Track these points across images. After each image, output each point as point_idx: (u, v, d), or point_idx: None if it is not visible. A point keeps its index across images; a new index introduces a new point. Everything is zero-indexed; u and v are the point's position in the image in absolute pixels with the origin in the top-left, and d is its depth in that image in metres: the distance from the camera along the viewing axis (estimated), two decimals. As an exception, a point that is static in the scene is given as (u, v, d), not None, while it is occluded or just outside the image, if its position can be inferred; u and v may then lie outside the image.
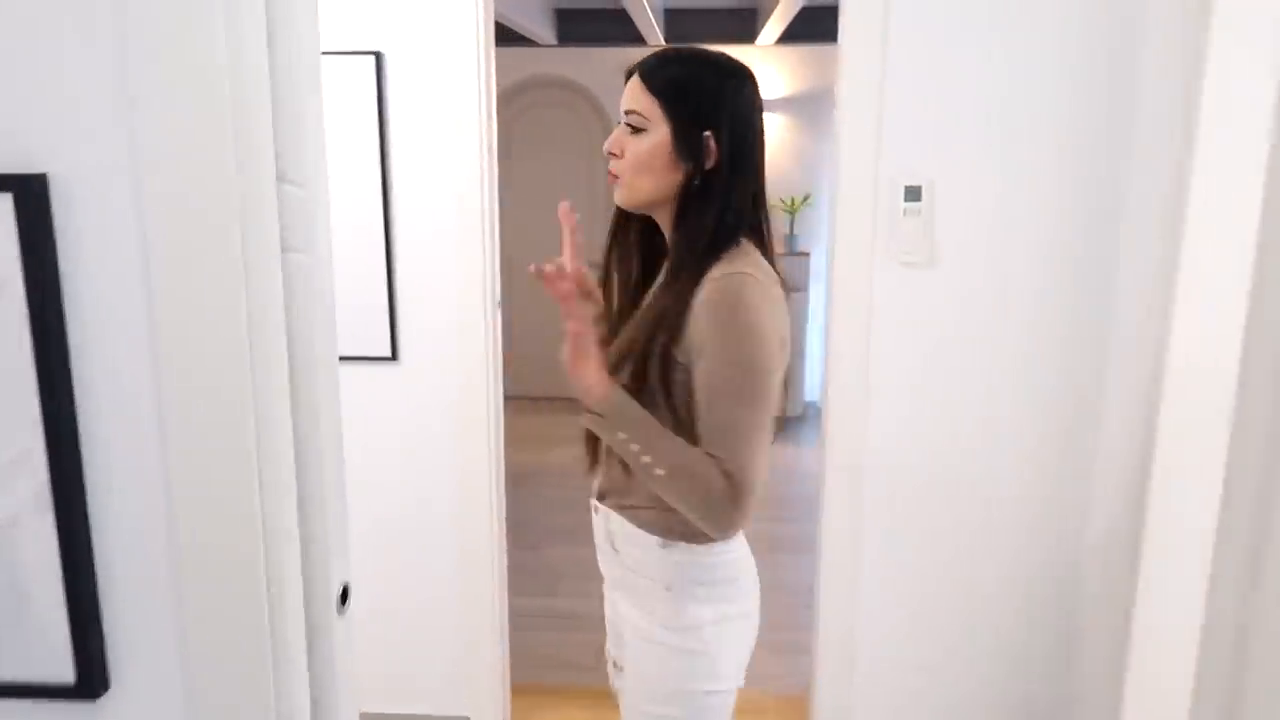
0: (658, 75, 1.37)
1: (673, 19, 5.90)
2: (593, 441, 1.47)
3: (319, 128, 0.86)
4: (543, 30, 5.66)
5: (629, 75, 1.40)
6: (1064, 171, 2.19)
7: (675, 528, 1.39)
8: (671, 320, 1.33)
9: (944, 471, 2.34)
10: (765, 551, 4.18)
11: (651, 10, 4.97)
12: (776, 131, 6.03)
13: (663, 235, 1.46)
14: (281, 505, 0.84)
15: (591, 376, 1.31)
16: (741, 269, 1.32)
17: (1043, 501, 2.33)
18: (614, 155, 1.39)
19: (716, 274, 1.32)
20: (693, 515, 1.32)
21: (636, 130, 1.37)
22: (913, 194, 2.24)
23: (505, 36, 5.60)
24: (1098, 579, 2.28)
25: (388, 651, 2.57)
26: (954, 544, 2.36)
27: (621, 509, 1.44)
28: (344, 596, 0.89)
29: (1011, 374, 2.29)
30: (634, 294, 1.50)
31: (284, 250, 0.81)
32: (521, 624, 3.34)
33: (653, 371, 1.33)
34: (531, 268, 1.27)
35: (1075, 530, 2.32)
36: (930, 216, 2.24)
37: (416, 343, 2.40)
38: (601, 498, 1.50)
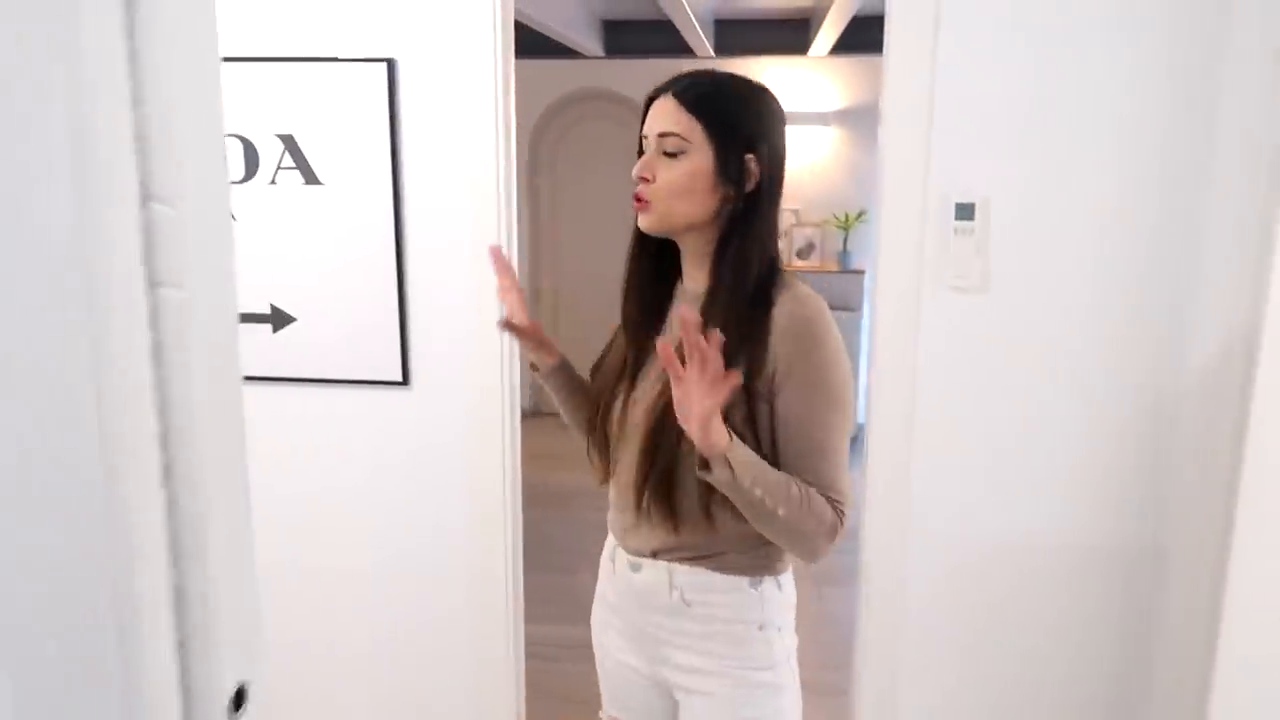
0: (696, 96, 1.33)
1: (722, 30, 5.79)
2: (630, 471, 1.40)
3: (210, 135, 0.72)
4: (589, 42, 5.59)
5: (654, 97, 1.37)
6: (1132, 190, 2.01)
7: (761, 565, 1.40)
8: (751, 352, 1.29)
9: (995, 514, 2.17)
10: (811, 583, 4.12)
11: (700, 22, 4.86)
12: (830, 145, 5.89)
13: (672, 260, 1.44)
14: (144, 597, 0.68)
15: (718, 429, 1.20)
16: (807, 292, 1.34)
17: (1108, 554, 2.14)
18: (645, 180, 1.34)
19: (787, 299, 1.32)
20: (796, 547, 1.31)
21: (672, 153, 1.32)
22: (964, 212, 2.08)
23: (551, 49, 5.57)
24: (1173, 639, 2.08)
25: (397, 681, 2.47)
26: (1004, 593, 2.19)
27: (697, 560, 1.39)
28: (239, 700, 0.74)
29: (1072, 416, 2.12)
30: (652, 323, 1.45)
31: (153, 285, 0.67)
32: (544, 653, 3.22)
33: (737, 410, 1.28)
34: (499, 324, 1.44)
35: (1148, 579, 2.12)
36: (983, 237, 2.08)
37: (429, 367, 2.29)
38: (654, 555, 1.42)
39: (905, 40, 2.05)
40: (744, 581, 1.39)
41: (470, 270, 2.22)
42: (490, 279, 2.19)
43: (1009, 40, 2.02)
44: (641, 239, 1.43)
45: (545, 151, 6.27)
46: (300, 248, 2.27)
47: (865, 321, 5.66)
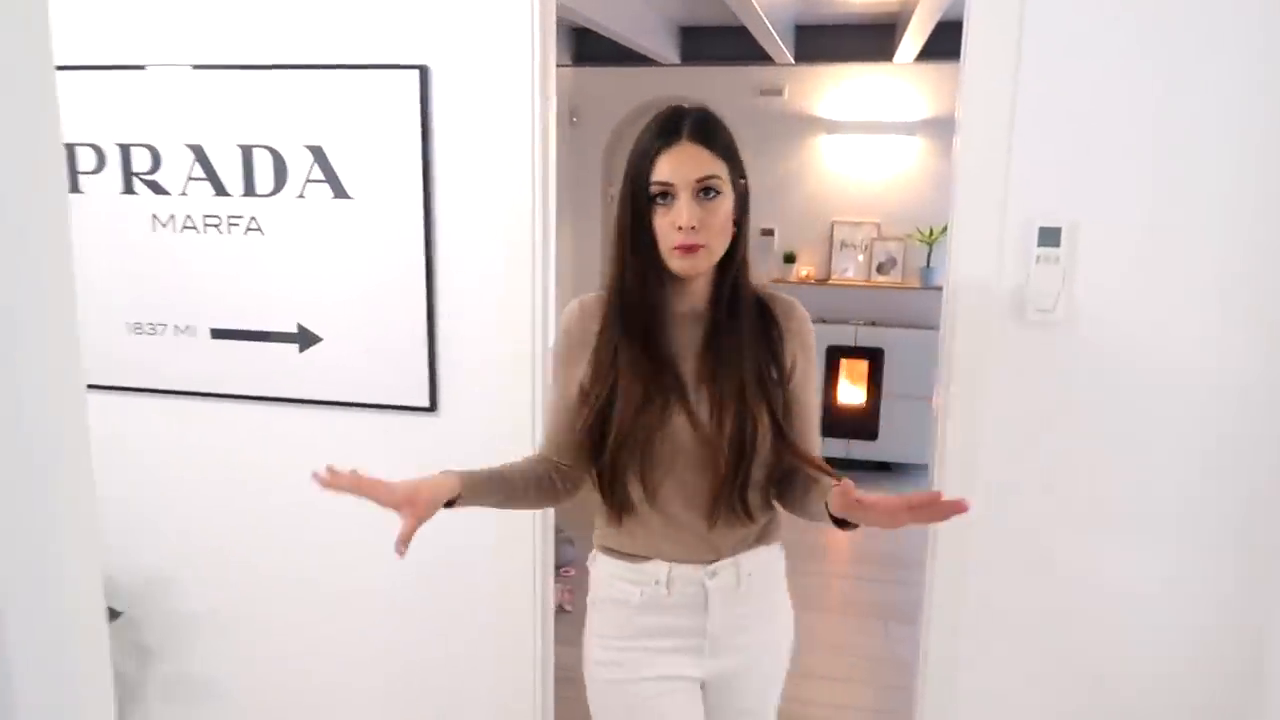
0: (713, 136, 1.41)
1: (803, 36, 5.59)
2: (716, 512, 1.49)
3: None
4: (665, 50, 5.45)
5: (667, 141, 1.39)
6: (1248, 216, 1.77)
7: (779, 528, 1.61)
8: (774, 358, 1.49)
9: (1070, 568, 1.96)
10: (875, 619, 3.90)
11: (779, 28, 4.68)
12: (915, 156, 5.65)
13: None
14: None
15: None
16: (789, 297, 1.56)
17: (1201, 625, 1.89)
18: (693, 229, 1.37)
19: (781, 306, 1.54)
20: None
21: (710, 196, 1.39)
22: (1049, 237, 1.86)
23: (627, 57, 5.46)
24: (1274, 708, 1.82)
25: (420, 709, 2.38)
26: (1080, 646, 1.97)
27: (749, 546, 1.54)
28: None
29: (1166, 467, 1.89)
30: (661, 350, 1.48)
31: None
32: (573, 677, 3.07)
33: (780, 408, 1.48)
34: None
35: (1252, 642, 1.87)
36: (1070, 265, 1.87)
37: (458, 393, 2.16)
38: (717, 558, 1.52)
39: (985, 45, 1.85)
40: (776, 547, 1.61)
41: (503, 293, 2.08)
42: (522, 302, 2.07)
43: (1102, 44, 1.80)
44: (646, 281, 1.44)
45: (621, 161, 6.13)
46: (328, 265, 2.17)
47: (948, 342, 5.40)
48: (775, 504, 1.57)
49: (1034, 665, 2.03)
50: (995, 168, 1.86)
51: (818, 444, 1.56)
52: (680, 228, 1.37)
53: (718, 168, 1.40)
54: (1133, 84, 1.80)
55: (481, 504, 1.49)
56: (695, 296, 1.48)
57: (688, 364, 1.46)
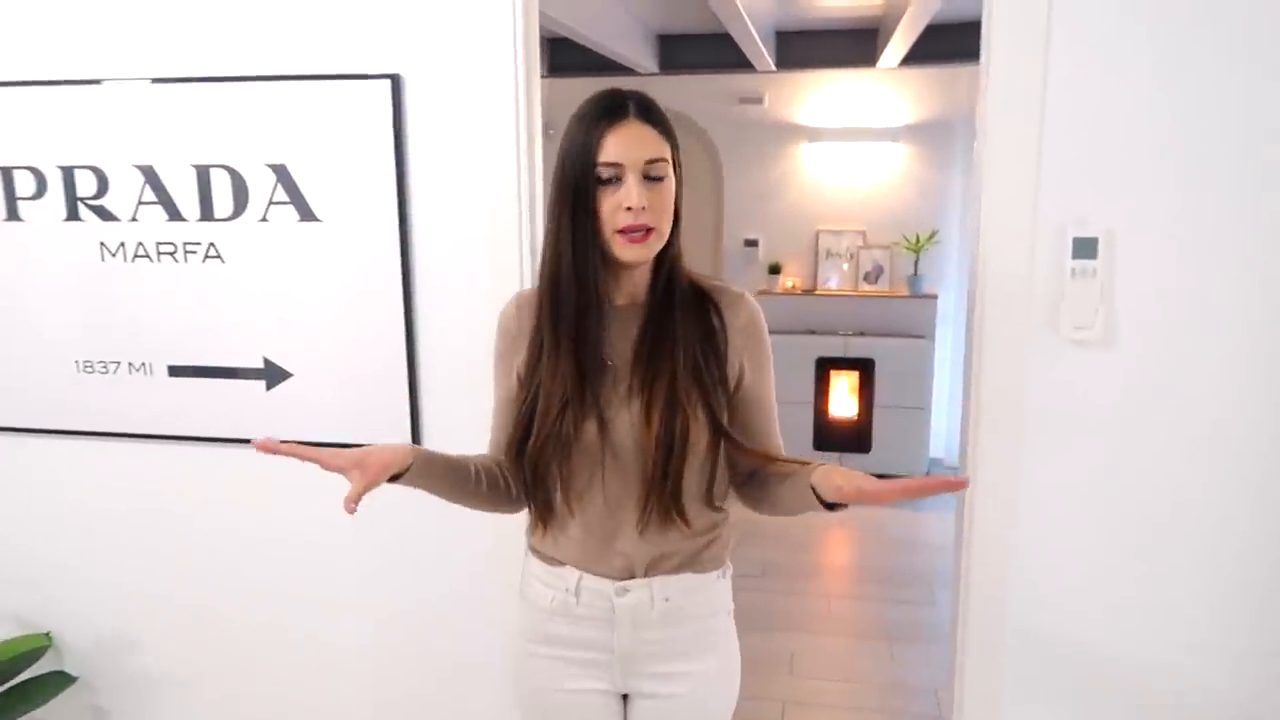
0: (660, 118, 1.36)
1: (784, 42, 5.48)
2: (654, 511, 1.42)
3: None
4: (643, 58, 5.33)
5: (613, 120, 1.32)
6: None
7: (722, 553, 1.52)
8: (715, 349, 1.41)
9: (1107, 607, 1.84)
10: (883, 641, 3.75)
11: (760, 34, 4.57)
12: (899, 162, 5.54)
13: None
14: None
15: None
16: (738, 289, 1.47)
17: (1251, 654, 1.75)
18: (643, 209, 1.32)
19: (728, 297, 1.45)
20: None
21: (657, 178, 1.34)
22: (1085, 249, 1.72)
23: (604, 65, 5.31)
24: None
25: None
26: (1121, 671, 1.84)
27: (681, 568, 1.46)
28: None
29: (1211, 500, 1.77)
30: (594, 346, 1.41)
31: None
32: None
33: (719, 405, 1.41)
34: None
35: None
36: (1108, 279, 1.72)
37: (442, 429, 1.98)
38: (646, 573, 1.45)
39: (1010, 44, 1.71)
40: (715, 575, 1.50)
41: (488, 318, 1.90)
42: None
43: (1140, 40, 1.67)
44: (593, 270, 1.36)
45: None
46: (296, 294, 1.99)
47: (939, 350, 5.29)
48: (721, 526, 1.50)
49: (1075, 690, 1.90)
50: (1024, 175, 1.72)
51: (778, 442, 1.49)
52: (629, 208, 1.31)
53: (664, 149, 1.35)
54: (1171, 83, 1.66)
55: (430, 487, 1.42)
56: (634, 287, 1.42)
57: (623, 357, 1.40)
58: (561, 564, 1.47)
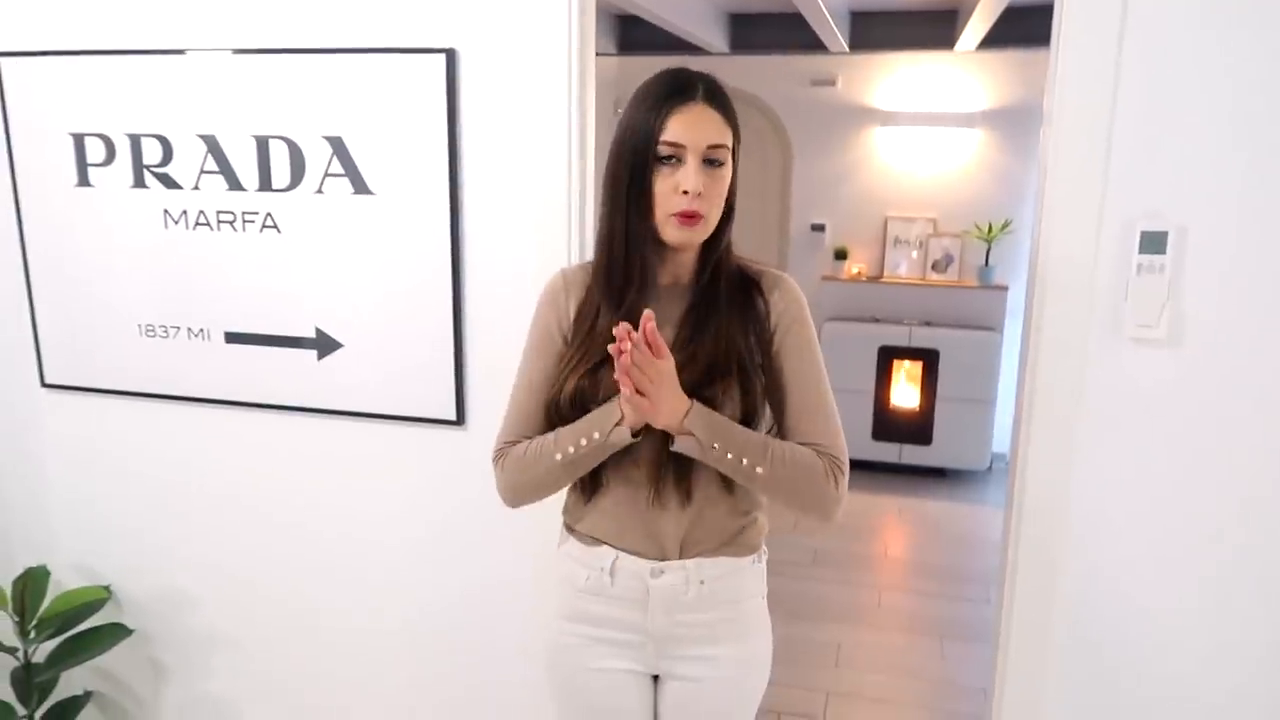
0: (726, 103, 1.35)
1: (858, 23, 5.35)
2: (681, 487, 1.42)
3: None
4: (714, 38, 5.26)
5: (681, 100, 1.31)
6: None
7: (758, 538, 1.51)
8: (758, 332, 1.41)
9: (1164, 616, 1.72)
10: (930, 637, 3.68)
11: (833, 14, 4.47)
12: (975, 149, 5.39)
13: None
14: None
15: (671, 400, 1.30)
16: (778, 271, 1.46)
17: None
18: (698, 195, 1.31)
19: (770, 279, 1.44)
20: (803, 504, 1.38)
21: (716, 164, 1.33)
22: (1153, 244, 1.65)
23: (675, 44, 5.26)
24: None
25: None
26: (1175, 676, 1.73)
27: (717, 551, 1.45)
28: None
29: (1275, 505, 1.66)
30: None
31: None
32: None
33: (757, 383, 1.39)
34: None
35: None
36: (1177, 276, 1.65)
37: (487, 406, 1.97)
38: (680, 554, 1.44)
39: (1082, 27, 1.63)
40: (749, 560, 1.49)
41: (535, 297, 1.90)
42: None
43: (1218, 31, 1.58)
44: (643, 244, 1.37)
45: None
46: (348, 266, 2.01)
47: (1007, 344, 5.15)
48: (755, 511, 1.49)
49: (1125, 692, 1.84)
50: (1093, 165, 1.65)
51: (824, 427, 1.40)
52: (685, 192, 1.31)
53: (727, 136, 1.34)
54: (1247, 78, 1.57)
55: (611, 451, 1.39)
56: (681, 269, 1.42)
57: (665, 335, 1.36)
58: (599, 543, 1.47)
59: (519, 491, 1.46)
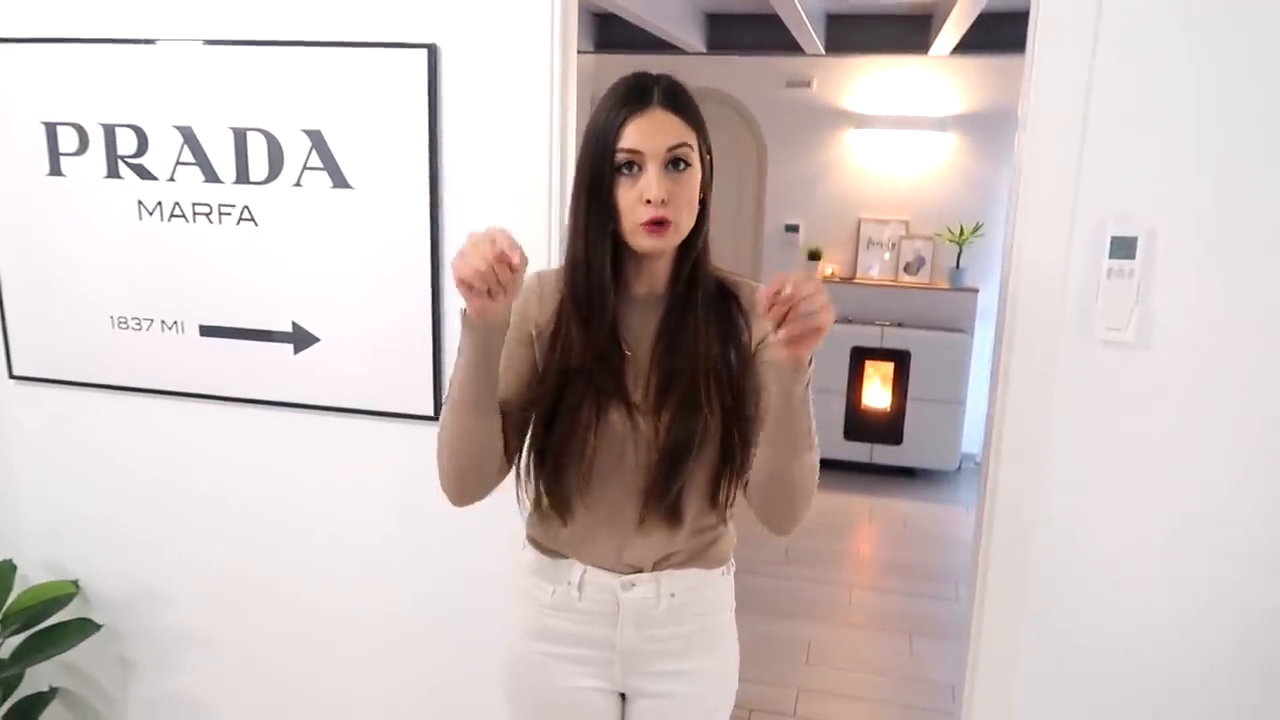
0: (684, 103, 1.31)
1: (834, 26, 5.39)
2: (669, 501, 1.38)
3: None
4: (691, 37, 5.27)
5: (636, 107, 1.27)
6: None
7: (727, 550, 1.50)
8: (737, 340, 1.37)
9: (1132, 614, 1.76)
10: (903, 635, 3.72)
11: (810, 17, 4.50)
12: (947, 152, 5.45)
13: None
14: None
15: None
16: (751, 281, 1.43)
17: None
18: (662, 202, 1.26)
19: (745, 286, 1.41)
20: (794, 502, 1.32)
21: (681, 167, 1.29)
22: (1123, 248, 1.68)
23: (653, 43, 5.27)
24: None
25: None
26: (1146, 672, 1.78)
27: (686, 563, 1.44)
28: None
29: (1242, 504, 1.73)
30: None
31: None
32: None
33: (749, 385, 1.36)
34: None
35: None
36: (1146, 279, 1.69)
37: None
38: (654, 567, 1.43)
39: (1055, 32, 1.66)
40: (718, 572, 1.48)
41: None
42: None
43: (1189, 40, 1.62)
44: (603, 258, 1.32)
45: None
46: (327, 260, 2.00)
47: (977, 347, 5.21)
48: (723, 524, 1.47)
49: (1096, 689, 1.88)
50: (1064, 170, 1.68)
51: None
52: (648, 200, 1.26)
53: (689, 136, 1.29)
54: (1218, 86, 1.61)
55: (481, 365, 1.27)
56: (655, 278, 1.37)
57: (641, 347, 1.37)
58: (564, 557, 1.44)
59: (444, 473, 1.39)
